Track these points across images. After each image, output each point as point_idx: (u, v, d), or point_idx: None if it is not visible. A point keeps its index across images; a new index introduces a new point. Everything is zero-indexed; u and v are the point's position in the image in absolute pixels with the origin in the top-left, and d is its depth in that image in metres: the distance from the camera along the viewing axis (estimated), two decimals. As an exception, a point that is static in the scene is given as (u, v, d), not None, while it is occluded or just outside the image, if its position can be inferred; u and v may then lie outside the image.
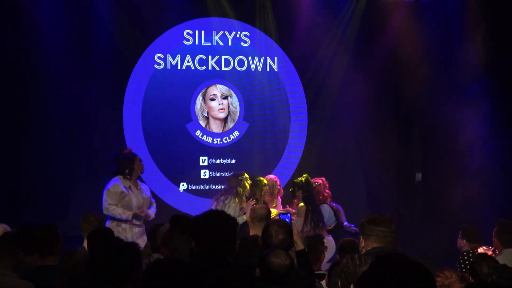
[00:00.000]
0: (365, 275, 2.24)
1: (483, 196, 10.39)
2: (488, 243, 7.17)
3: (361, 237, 4.19)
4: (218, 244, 3.75)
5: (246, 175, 8.68)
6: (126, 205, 8.09)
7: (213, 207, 8.47)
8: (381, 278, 2.16)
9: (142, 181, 8.55)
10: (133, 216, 8.03)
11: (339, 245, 6.38)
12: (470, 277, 4.24)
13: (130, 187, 8.16)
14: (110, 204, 8.00)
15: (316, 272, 5.33)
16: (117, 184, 8.09)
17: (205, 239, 3.77)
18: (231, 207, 8.44)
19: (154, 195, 10.48)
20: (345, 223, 9.04)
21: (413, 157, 11.48)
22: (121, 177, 8.18)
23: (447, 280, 3.30)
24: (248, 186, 8.58)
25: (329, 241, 7.98)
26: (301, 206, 8.46)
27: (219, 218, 3.91)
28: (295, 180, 8.77)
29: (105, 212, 7.99)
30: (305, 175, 8.79)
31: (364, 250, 4.10)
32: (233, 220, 3.96)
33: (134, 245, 4.03)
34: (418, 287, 2.14)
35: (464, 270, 6.30)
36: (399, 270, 2.17)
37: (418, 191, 11.46)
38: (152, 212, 8.39)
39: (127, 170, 8.20)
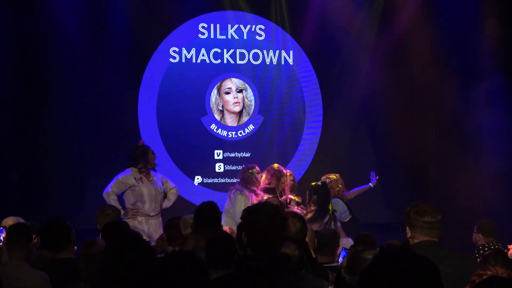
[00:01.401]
0: (368, 268, 2.23)
1: (498, 191, 10.34)
2: (503, 238, 7.14)
3: (407, 228, 4.17)
4: (268, 238, 3.66)
5: (257, 168, 8.67)
6: (138, 196, 8.23)
7: (227, 204, 8.49)
8: (384, 272, 2.15)
9: (154, 170, 8.59)
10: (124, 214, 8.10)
11: (354, 239, 6.38)
12: None
13: (141, 178, 8.28)
14: (113, 192, 8.16)
15: (330, 265, 5.33)
16: (128, 176, 8.26)
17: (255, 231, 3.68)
18: (238, 201, 8.39)
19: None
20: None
21: (429, 151, 11.42)
22: (134, 168, 8.30)
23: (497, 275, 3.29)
24: (259, 180, 8.55)
25: (348, 242, 7.90)
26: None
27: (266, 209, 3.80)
28: (312, 183, 8.58)
29: (104, 196, 8.17)
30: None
31: (411, 241, 4.10)
32: (279, 213, 3.85)
33: (145, 241, 4.05)
34: (421, 281, 2.13)
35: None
36: (403, 263, 2.16)
37: (433, 185, 11.41)
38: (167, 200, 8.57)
39: (141, 163, 8.31)
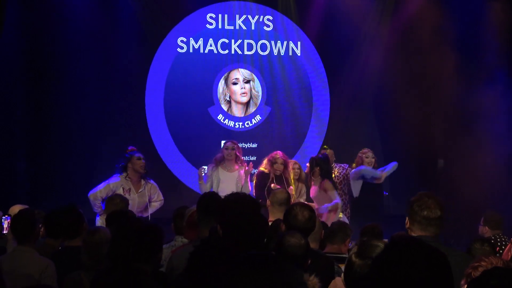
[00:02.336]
0: (378, 259, 2.24)
1: (506, 183, 10.34)
2: (510, 232, 7.13)
3: (407, 217, 4.10)
4: (242, 229, 3.71)
5: (230, 144, 8.97)
6: None
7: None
8: (395, 263, 2.16)
9: (143, 173, 8.53)
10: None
11: (361, 230, 6.38)
12: None
13: (129, 190, 8.16)
14: (100, 196, 8.01)
15: (339, 255, 5.33)
16: (118, 184, 8.11)
17: (228, 223, 3.74)
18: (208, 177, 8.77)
19: (175, 178, 10.56)
20: None
21: (436, 142, 11.40)
22: (122, 176, 8.19)
23: (492, 266, 3.28)
24: (230, 153, 8.86)
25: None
26: (327, 181, 8.46)
27: (240, 201, 3.85)
28: (313, 156, 8.84)
29: (90, 197, 8.04)
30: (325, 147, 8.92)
31: (409, 232, 4.03)
32: (255, 203, 3.92)
33: (155, 226, 4.06)
34: (433, 272, 2.13)
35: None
36: (414, 254, 2.16)
37: (440, 177, 11.40)
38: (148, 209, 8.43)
39: (126, 173, 8.19)
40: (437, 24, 10.92)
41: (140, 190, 8.27)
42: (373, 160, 9.32)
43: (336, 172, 9.34)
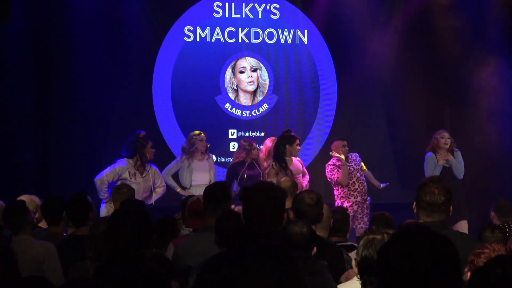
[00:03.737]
0: (386, 246, 2.22)
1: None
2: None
3: (414, 202, 4.08)
4: (265, 217, 3.68)
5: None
6: None
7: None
8: (403, 250, 2.14)
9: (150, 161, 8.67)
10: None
11: (371, 219, 6.38)
12: None
13: (135, 174, 8.32)
14: (106, 180, 8.21)
15: (344, 243, 5.32)
16: (124, 168, 8.32)
17: (252, 211, 3.71)
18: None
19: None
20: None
21: (444, 129, 11.35)
22: (130, 161, 8.37)
23: (495, 253, 3.26)
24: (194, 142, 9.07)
25: None
26: (272, 166, 8.58)
27: (266, 190, 3.81)
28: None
29: (97, 181, 8.24)
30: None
31: (418, 217, 4.02)
32: (280, 191, 3.89)
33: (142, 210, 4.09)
34: (439, 261, 2.12)
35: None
36: (420, 243, 2.15)
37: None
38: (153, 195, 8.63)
39: (137, 156, 8.36)
40: (447, 11, 10.87)
41: (144, 175, 8.46)
42: (449, 141, 9.05)
43: (353, 163, 9.34)
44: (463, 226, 8.31)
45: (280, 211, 3.70)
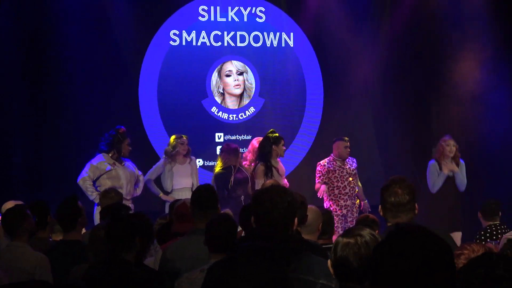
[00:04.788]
0: (380, 246, 2.24)
1: (502, 169, 10.37)
2: (509, 220, 7.12)
3: (380, 206, 4.02)
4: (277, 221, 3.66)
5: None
6: (115, 179, 8.39)
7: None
8: (397, 250, 2.16)
9: (126, 157, 8.78)
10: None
11: (356, 220, 6.40)
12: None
13: (114, 163, 8.45)
14: (88, 177, 8.31)
15: (329, 246, 5.33)
16: (102, 162, 8.42)
17: (264, 215, 3.67)
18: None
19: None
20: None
21: (430, 132, 11.41)
22: (106, 155, 8.47)
23: (474, 253, 3.28)
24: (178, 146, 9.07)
25: None
26: (260, 166, 8.57)
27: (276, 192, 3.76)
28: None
29: (80, 182, 8.33)
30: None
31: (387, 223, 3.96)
32: (292, 195, 3.87)
33: (143, 216, 4.11)
34: (436, 260, 2.13)
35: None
36: (414, 241, 2.16)
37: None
38: (138, 187, 8.79)
39: (113, 151, 8.48)
40: (435, 14, 10.94)
41: (122, 164, 8.60)
42: (454, 148, 8.98)
43: (349, 166, 9.34)
44: (456, 237, 8.27)
45: (291, 215, 3.67)
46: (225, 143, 9.37)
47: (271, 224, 3.56)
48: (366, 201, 9.48)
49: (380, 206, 4.00)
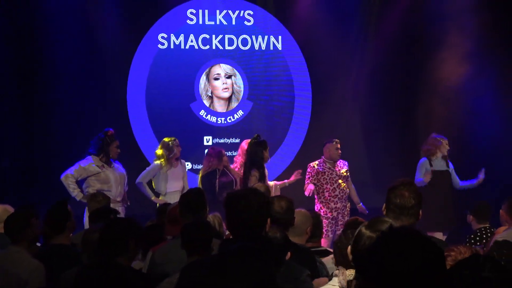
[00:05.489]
0: (376, 247, 2.24)
1: (490, 172, 10.40)
2: (497, 222, 7.13)
3: (384, 204, 4.01)
4: (249, 222, 3.70)
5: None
6: (104, 181, 8.41)
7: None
8: (389, 252, 2.17)
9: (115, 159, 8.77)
10: (81, 198, 8.29)
11: (345, 223, 6.41)
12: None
13: (103, 166, 8.46)
14: (72, 175, 8.32)
15: (317, 249, 5.34)
16: (91, 164, 8.43)
17: (236, 217, 3.73)
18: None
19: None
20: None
21: (419, 135, 11.45)
22: (95, 157, 8.47)
23: (461, 255, 3.30)
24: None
25: None
26: (254, 173, 8.55)
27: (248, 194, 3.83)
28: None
29: (62, 178, 8.34)
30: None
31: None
32: (264, 196, 3.92)
33: (128, 220, 4.14)
34: (423, 264, 2.15)
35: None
36: (404, 246, 2.18)
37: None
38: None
39: (102, 154, 8.47)
40: (424, 18, 11.01)
41: (112, 165, 8.59)
42: (447, 147, 9.34)
43: (339, 168, 9.33)
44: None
45: (264, 216, 3.73)
46: (210, 147, 9.33)
47: (244, 226, 3.61)
48: (361, 204, 9.47)
49: (384, 205, 4.00)
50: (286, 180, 9.21)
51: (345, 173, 9.31)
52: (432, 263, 2.15)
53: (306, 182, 9.22)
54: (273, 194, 8.22)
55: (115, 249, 3.95)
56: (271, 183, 8.91)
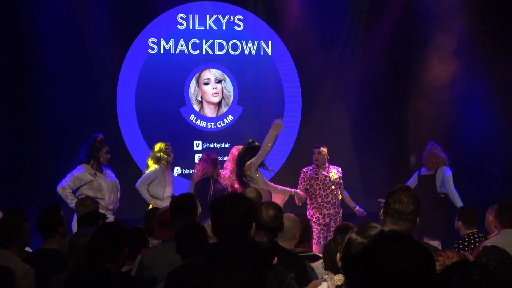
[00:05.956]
0: (370, 249, 2.25)
1: (476, 177, 10.44)
2: (482, 229, 7.14)
3: (382, 209, 4.05)
4: (231, 226, 3.76)
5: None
6: (97, 189, 8.38)
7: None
8: (379, 257, 2.17)
9: (105, 165, 8.75)
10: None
11: (335, 228, 6.41)
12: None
13: (95, 173, 8.43)
14: (68, 186, 8.27)
15: (307, 254, 5.34)
16: (83, 173, 8.39)
17: (221, 221, 3.78)
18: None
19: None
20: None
21: (408, 139, 11.50)
22: (87, 165, 8.45)
23: (449, 260, 3.30)
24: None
25: None
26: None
27: (234, 200, 3.88)
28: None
29: (59, 190, 8.30)
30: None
31: (383, 224, 3.97)
32: (249, 200, 3.95)
33: (117, 225, 4.14)
34: (417, 268, 2.15)
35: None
36: (398, 249, 2.18)
37: (412, 174, 11.48)
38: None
39: (92, 160, 8.46)
40: (411, 25, 11.06)
41: (104, 173, 8.57)
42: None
43: (334, 174, 9.28)
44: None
45: (248, 221, 3.74)
46: (205, 153, 9.25)
47: (229, 230, 3.63)
48: (358, 207, 9.44)
49: (382, 210, 4.04)
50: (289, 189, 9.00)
51: (338, 179, 9.26)
52: (424, 267, 2.15)
53: (298, 187, 9.21)
54: (271, 197, 8.34)
55: (107, 254, 3.95)
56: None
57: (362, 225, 3.25)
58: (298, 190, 8.89)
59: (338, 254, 3.20)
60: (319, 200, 9.12)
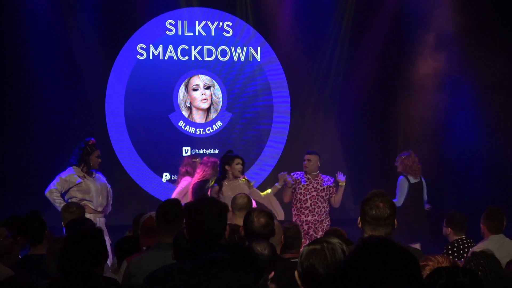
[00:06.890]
0: (348, 259, 2.23)
1: (466, 182, 10.46)
2: (473, 232, 7.14)
3: (359, 217, 4.02)
4: (208, 229, 3.79)
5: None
6: (85, 192, 8.34)
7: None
8: (364, 263, 2.16)
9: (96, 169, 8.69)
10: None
11: (324, 233, 6.40)
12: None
13: (84, 176, 8.40)
14: (56, 190, 8.24)
15: (297, 259, 5.32)
16: (72, 175, 8.36)
17: (195, 224, 3.80)
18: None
19: (136, 185, 10.53)
20: None
21: (397, 144, 11.50)
22: (76, 168, 8.41)
23: (439, 265, 3.29)
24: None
25: None
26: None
27: (208, 204, 3.92)
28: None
29: (47, 194, 8.26)
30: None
31: (363, 232, 3.96)
32: (223, 205, 3.97)
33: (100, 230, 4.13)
34: (402, 273, 2.14)
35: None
36: (384, 255, 2.17)
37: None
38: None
39: (82, 164, 8.42)
40: (399, 31, 11.09)
41: (93, 176, 8.54)
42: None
43: (318, 181, 9.14)
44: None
45: (224, 223, 3.77)
46: (205, 156, 9.27)
47: (202, 234, 3.68)
48: (339, 175, 9.29)
49: (359, 218, 4.01)
50: (277, 184, 9.00)
51: (326, 188, 9.09)
52: (408, 271, 2.14)
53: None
54: (270, 202, 8.49)
55: (95, 260, 3.91)
56: (265, 192, 8.76)
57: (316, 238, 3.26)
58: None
59: (296, 272, 3.16)
60: (298, 205, 9.00)
